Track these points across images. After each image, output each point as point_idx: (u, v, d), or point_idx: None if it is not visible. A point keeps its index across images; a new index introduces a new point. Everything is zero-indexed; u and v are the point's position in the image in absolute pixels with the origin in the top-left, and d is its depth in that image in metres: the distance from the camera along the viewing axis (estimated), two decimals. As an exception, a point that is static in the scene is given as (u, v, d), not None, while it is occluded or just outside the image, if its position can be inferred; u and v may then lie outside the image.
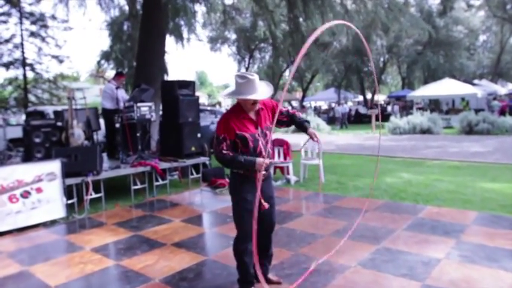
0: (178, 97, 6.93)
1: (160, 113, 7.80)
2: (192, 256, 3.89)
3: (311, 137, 3.00)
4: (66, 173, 5.43)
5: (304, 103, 34.98)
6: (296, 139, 9.66)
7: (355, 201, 5.84)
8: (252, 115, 2.84)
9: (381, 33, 25.54)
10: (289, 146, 7.84)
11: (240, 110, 2.83)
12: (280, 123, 3.04)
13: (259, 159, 2.70)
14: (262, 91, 2.78)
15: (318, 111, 30.94)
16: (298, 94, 41.08)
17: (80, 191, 5.63)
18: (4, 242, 4.54)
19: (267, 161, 2.68)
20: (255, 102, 2.78)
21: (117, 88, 7.25)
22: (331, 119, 25.17)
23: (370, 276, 3.29)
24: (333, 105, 30.26)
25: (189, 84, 7.35)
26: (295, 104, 38.82)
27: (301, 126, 3.07)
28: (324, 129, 20.24)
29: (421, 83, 31.95)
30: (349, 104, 35.53)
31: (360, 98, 36.30)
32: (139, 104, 6.67)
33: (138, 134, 6.77)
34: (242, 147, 2.78)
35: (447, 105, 24.54)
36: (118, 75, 7.66)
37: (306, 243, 4.16)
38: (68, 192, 5.45)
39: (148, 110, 6.82)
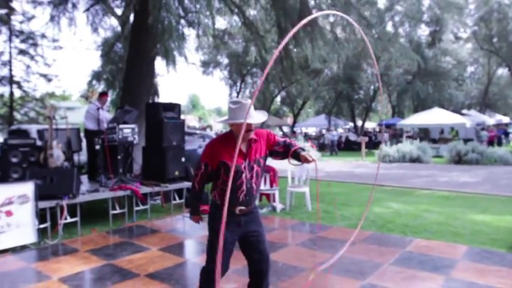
0: (162, 120, 6.77)
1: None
2: (166, 289, 3.64)
3: (305, 160, 2.67)
4: (40, 196, 5.17)
5: (295, 129, 35.04)
6: (283, 165, 9.51)
7: (342, 232, 5.64)
8: (243, 146, 2.66)
9: (371, 62, 25.88)
10: (276, 173, 7.66)
11: (231, 139, 2.67)
12: (276, 155, 2.81)
13: (196, 217, 2.77)
14: (255, 116, 2.65)
15: (308, 137, 30.94)
16: (290, 120, 41.25)
17: (55, 215, 5.36)
18: (-34, 269, 4.24)
19: (200, 221, 2.76)
20: (249, 129, 2.59)
21: (98, 109, 7.06)
22: (321, 146, 25.15)
23: (354, 317, 3.07)
24: (323, 131, 30.35)
25: (174, 107, 7.20)
26: (286, 129, 38.89)
27: (298, 156, 2.74)
28: (314, 155, 20.14)
29: (411, 112, 32.30)
30: (340, 130, 35.71)
31: (351, 124, 36.51)
32: (121, 126, 6.48)
33: (119, 157, 6.55)
34: (223, 175, 2.64)
35: (440, 134, 24.76)
36: (101, 95, 7.50)
37: (287, 277, 3.93)
38: (41, 216, 5.18)
39: (131, 132, 6.63)
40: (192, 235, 5.65)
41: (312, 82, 29.20)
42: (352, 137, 27.80)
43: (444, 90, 28.38)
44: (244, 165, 2.63)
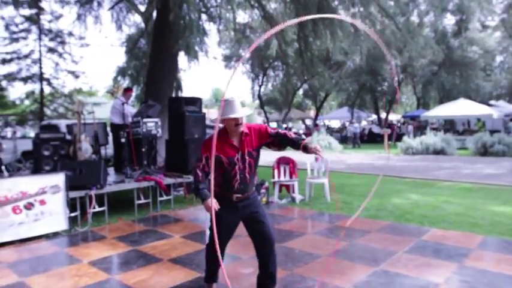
0: (184, 113, 7.00)
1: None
2: (187, 272, 3.86)
3: (313, 152, 2.84)
4: (71, 186, 5.50)
5: (318, 122, 34.90)
6: (302, 157, 9.65)
7: (359, 222, 5.73)
8: (235, 140, 2.93)
9: (395, 53, 25.47)
10: (295, 165, 7.80)
11: (225, 134, 2.94)
12: (272, 145, 3.02)
13: (208, 202, 2.81)
14: (241, 111, 2.90)
15: (331, 130, 30.82)
16: (312, 113, 41.07)
17: (84, 204, 5.69)
18: (5, 252, 4.59)
19: (216, 207, 2.79)
20: (237, 123, 2.86)
21: (123, 104, 7.36)
22: (344, 138, 25.05)
23: (364, 299, 3.20)
24: (346, 124, 30.13)
25: (196, 101, 7.43)
26: (308, 122, 38.77)
27: (295, 144, 2.95)
28: (336, 148, 20.12)
29: (436, 103, 31.64)
30: (364, 123, 35.31)
31: (374, 117, 36.06)
32: (145, 120, 6.76)
33: (143, 149, 6.83)
34: (218, 167, 2.91)
35: (463, 126, 24.19)
36: (126, 90, 7.80)
37: (302, 263, 4.09)
38: (71, 205, 5.51)
39: (154, 125, 6.89)
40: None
41: (334, 75, 29.03)
42: (376, 129, 27.53)
43: (471, 81, 27.68)
44: (237, 158, 2.91)
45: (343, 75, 30.16)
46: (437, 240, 4.79)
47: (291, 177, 7.61)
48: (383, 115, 34.21)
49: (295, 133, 3.05)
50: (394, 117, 39.27)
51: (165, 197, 6.75)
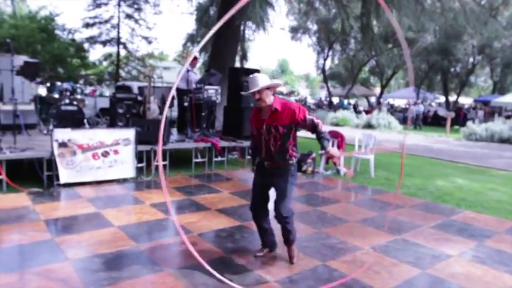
0: (242, 83, 7.56)
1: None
2: (229, 220, 4.53)
3: (329, 157, 3.28)
4: (139, 141, 6.36)
5: (382, 100, 34.02)
6: (352, 132, 9.92)
7: (396, 197, 6.05)
8: (264, 115, 3.30)
9: (472, 33, 23.92)
10: (344, 139, 8.15)
11: (257, 109, 3.40)
12: (303, 128, 3.32)
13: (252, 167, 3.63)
14: (258, 84, 3.17)
15: (393, 109, 29.97)
16: (378, 90, 39.97)
17: (149, 157, 6.56)
18: (86, 189, 5.56)
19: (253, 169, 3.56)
20: (256, 98, 3.22)
21: (188, 71, 8.08)
22: (406, 119, 24.40)
23: (376, 258, 3.65)
24: (411, 103, 29.12)
25: (254, 72, 7.92)
26: (372, 99, 37.85)
27: (319, 141, 3.27)
28: (396, 128, 19.79)
29: (517, 89, 29.46)
30: (433, 104, 33.77)
31: (442, 99, 34.34)
32: (207, 87, 7.43)
33: (203, 114, 7.55)
34: (253, 137, 3.53)
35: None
36: (192, 59, 8.50)
37: (331, 224, 4.59)
38: (139, 157, 6.39)
39: (214, 92, 7.56)
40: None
41: (403, 52, 27.84)
42: (442, 112, 26.40)
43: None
44: (263, 130, 3.29)
45: (413, 53, 28.93)
46: (466, 221, 5.02)
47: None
48: (454, 98, 32.52)
49: (328, 132, 3.39)
50: (466, 100, 37.13)
51: (219, 158, 7.49)
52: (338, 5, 10.68)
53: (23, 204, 4.76)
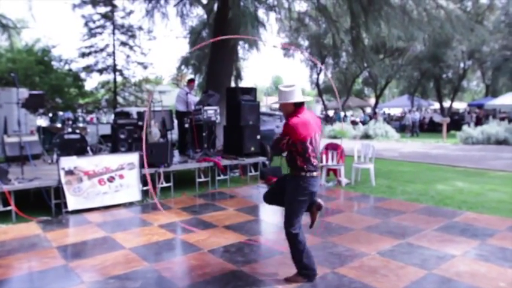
0: (240, 102, 7.77)
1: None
2: (237, 236, 4.64)
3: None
4: (143, 164, 6.49)
5: (377, 110, 34.34)
6: (350, 144, 10.08)
7: (398, 204, 6.17)
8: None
9: (460, 38, 24.40)
10: (343, 151, 8.30)
11: None
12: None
13: None
14: (282, 98, 3.31)
15: (390, 118, 30.26)
16: (372, 101, 40.37)
17: (154, 180, 6.68)
18: (93, 215, 5.66)
19: None
20: (281, 108, 3.38)
21: (187, 93, 8.29)
22: (403, 127, 24.66)
23: (383, 263, 3.76)
24: (407, 112, 29.42)
25: (250, 91, 8.17)
26: (368, 110, 38.21)
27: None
28: (393, 137, 20.01)
29: (509, 91, 29.81)
30: (428, 111, 34.07)
31: (436, 105, 34.71)
32: (206, 108, 7.61)
33: (204, 134, 7.71)
34: None
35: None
36: (189, 81, 8.74)
37: (337, 233, 4.69)
38: (143, 180, 6.51)
39: (214, 112, 7.74)
40: (262, 201, 6.59)
41: (394, 62, 28.36)
42: (437, 118, 26.69)
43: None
44: (284, 142, 3.27)
45: (405, 62, 29.42)
46: (468, 221, 5.13)
47: (338, 162, 8.13)
48: (448, 103, 32.86)
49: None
50: (460, 105, 37.48)
51: (222, 177, 7.61)
52: (328, 20, 11.00)
53: (34, 233, 4.86)
